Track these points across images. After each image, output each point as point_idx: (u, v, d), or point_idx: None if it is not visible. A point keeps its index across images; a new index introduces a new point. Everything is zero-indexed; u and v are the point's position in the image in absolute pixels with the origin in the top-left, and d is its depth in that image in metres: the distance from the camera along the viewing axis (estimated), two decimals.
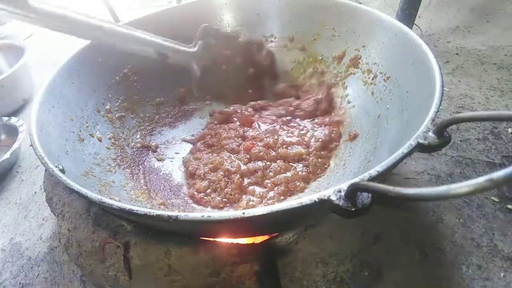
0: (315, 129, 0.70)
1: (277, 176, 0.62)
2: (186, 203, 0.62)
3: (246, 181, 0.63)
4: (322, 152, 0.65)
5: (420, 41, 0.53)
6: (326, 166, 0.64)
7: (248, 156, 0.66)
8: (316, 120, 0.72)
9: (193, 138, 0.75)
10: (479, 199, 0.62)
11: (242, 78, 0.78)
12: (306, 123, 0.72)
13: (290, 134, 0.70)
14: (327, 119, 0.71)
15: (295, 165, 0.64)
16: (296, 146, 0.66)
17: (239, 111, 0.77)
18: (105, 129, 0.67)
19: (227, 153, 0.68)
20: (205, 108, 0.82)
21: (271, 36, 0.81)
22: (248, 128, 0.73)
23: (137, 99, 0.76)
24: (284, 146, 0.66)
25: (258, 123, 0.74)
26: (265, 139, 0.68)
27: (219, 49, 0.75)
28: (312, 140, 0.67)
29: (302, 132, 0.70)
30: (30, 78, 1.11)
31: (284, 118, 0.74)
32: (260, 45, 0.79)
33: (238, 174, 0.63)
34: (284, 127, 0.72)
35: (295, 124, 0.72)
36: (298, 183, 0.61)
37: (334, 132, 0.68)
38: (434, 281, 0.51)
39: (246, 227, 0.42)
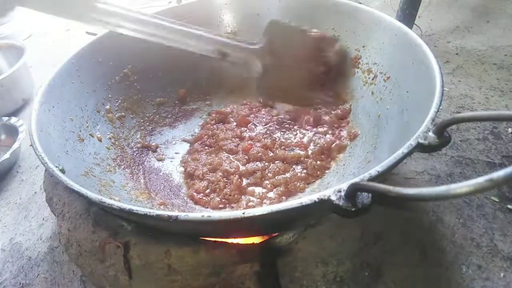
0: (316, 135, 0.69)
1: (276, 177, 0.62)
2: (186, 203, 0.62)
3: (245, 182, 0.63)
4: (321, 156, 0.65)
5: (420, 41, 0.53)
6: (325, 170, 0.64)
7: (246, 157, 0.66)
8: (319, 129, 0.71)
9: (191, 138, 0.75)
10: (479, 199, 0.62)
11: (309, 78, 0.69)
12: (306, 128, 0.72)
13: (288, 136, 0.70)
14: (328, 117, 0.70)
15: (294, 166, 0.64)
16: (294, 148, 0.66)
17: (235, 111, 0.77)
18: (105, 129, 0.67)
19: (226, 154, 0.68)
20: (205, 108, 0.82)
21: None
22: (245, 129, 0.73)
23: (137, 99, 0.76)
24: (282, 148, 0.66)
25: (254, 124, 0.74)
26: (263, 140, 0.68)
27: (285, 45, 0.67)
28: (311, 144, 0.67)
29: (301, 134, 0.70)
30: (30, 78, 1.11)
31: (280, 118, 0.74)
32: (333, 42, 0.70)
33: (236, 175, 0.63)
34: (282, 128, 0.72)
35: (295, 127, 0.72)
36: (297, 184, 0.61)
37: (337, 142, 0.66)
38: (434, 281, 0.51)
39: (246, 227, 0.42)
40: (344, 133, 0.68)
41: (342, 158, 0.64)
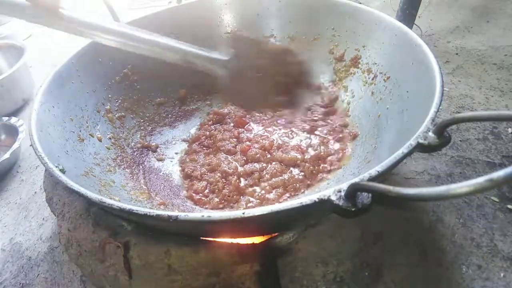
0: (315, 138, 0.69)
1: (273, 179, 0.62)
2: (186, 203, 0.62)
3: (243, 182, 0.63)
4: (318, 161, 0.64)
5: (420, 41, 0.53)
6: (323, 174, 0.63)
7: (244, 158, 0.66)
8: (319, 133, 0.70)
9: (188, 139, 0.76)
10: (479, 199, 0.62)
11: (272, 87, 0.74)
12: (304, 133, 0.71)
13: (286, 138, 0.69)
14: (327, 129, 0.70)
15: (291, 169, 0.64)
16: (291, 151, 0.66)
17: (232, 112, 0.77)
18: (105, 129, 0.67)
19: (224, 155, 0.68)
20: (205, 108, 0.82)
21: (271, 36, 0.81)
22: (243, 130, 0.73)
23: (137, 99, 0.76)
24: (280, 150, 0.66)
25: (252, 125, 0.74)
26: (261, 141, 0.68)
27: (250, 58, 0.71)
28: (309, 148, 0.67)
29: (299, 138, 0.70)
30: (30, 78, 1.11)
31: (276, 117, 0.75)
32: (290, 53, 0.74)
33: (235, 176, 0.63)
34: (283, 130, 0.72)
35: (294, 129, 0.72)
36: (296, 185, 0.61)
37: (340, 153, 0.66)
38: (434, 281, 0.51)
39: (246, 227, 0.42)
40: (337, 145, 0.67)
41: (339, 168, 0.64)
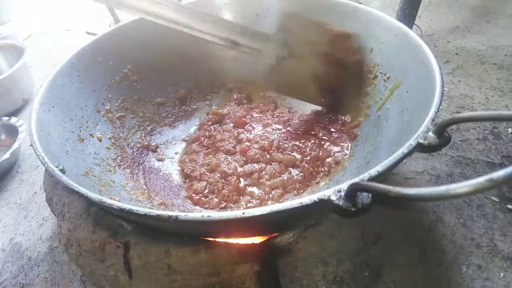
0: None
1: (272, 180, 0.62)
2: (186, 203, 0.62)
3: (242, 183, 0.63)
4: (317, 163, 0.64)
5: (420, 41, 0.53)
6: (320, 177, 0.63)
7: (244, 158, 0.66)
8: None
9: (188, 139, 0.75)
10: (479, 199, 0.62)
11: (320, 76, 0.66)
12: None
13: (285, 140, 0.69)
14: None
15: (290, 169, 0.64)
16: (290, 152, 0.66)
17: (231, 112, 0.77)
18: (105, 129, 0.67)
19: (223, 155, 0.68)
20: (205, 108, 0.82)
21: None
22: (242, 130, 0.73)
23: (137, 99, 0.76)
24: (279, 150, 0.66)
25: (251, 125, 0.74)
26: (260, 141, 0.68)
27: (300, 37, 0.64)
28: (308, 149, 0.67)
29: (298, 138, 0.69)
30: (30, 78, 1.11)
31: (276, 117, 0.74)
32: (349, 39, 0.65)
33: (234, 176, 0.63)
34: (283, 129, 0.72)
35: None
36: (295, 185, 0.61)
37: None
38: (434, 281, 0.51)
39: (246, 227, 0.42)
40: (335, 147, 0.66)
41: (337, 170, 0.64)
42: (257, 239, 0.49)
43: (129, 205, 0.37)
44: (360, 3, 0.70)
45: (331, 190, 0.33)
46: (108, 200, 0.38)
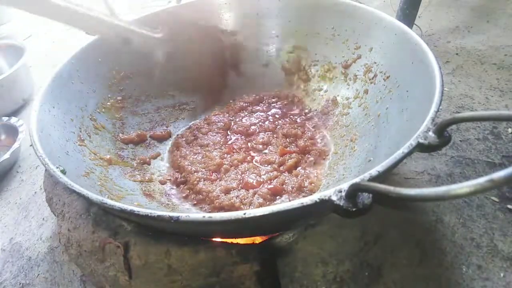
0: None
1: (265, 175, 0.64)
2: (186, 203, 0.62)
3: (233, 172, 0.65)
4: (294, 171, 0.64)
5: (420, 41, 0.53)
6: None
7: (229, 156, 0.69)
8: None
9: (188, 138, 0.75)
10: (479, 199, 0.62)
11: (207, 66, 0.78)
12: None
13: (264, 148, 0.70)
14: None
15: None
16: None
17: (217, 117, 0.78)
18: (105, 129, 0.67)
19: (214, 152, 0.69)
20: (204, 109, 0.82)
21: (271, 35, 0.81)
22: (229, 134, 0.74)
23: (137, 99, 0.76)
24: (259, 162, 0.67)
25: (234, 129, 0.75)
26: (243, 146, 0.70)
27: (184, 36, 0.73)
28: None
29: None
30: (30, 78, 1.11)
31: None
32: (217, 30, 0.78)
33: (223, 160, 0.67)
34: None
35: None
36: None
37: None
38: (434, 281, 0.52)
39: (246, 227, 0.42)
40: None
41: (342, 157, 0.64)
42: (257, 239, 0.50)
43: (130, 206, 0.37)
44: (360, 3, 0.70)
45: (332, 190, 0.33)
46: (109, 201, 0.38)
